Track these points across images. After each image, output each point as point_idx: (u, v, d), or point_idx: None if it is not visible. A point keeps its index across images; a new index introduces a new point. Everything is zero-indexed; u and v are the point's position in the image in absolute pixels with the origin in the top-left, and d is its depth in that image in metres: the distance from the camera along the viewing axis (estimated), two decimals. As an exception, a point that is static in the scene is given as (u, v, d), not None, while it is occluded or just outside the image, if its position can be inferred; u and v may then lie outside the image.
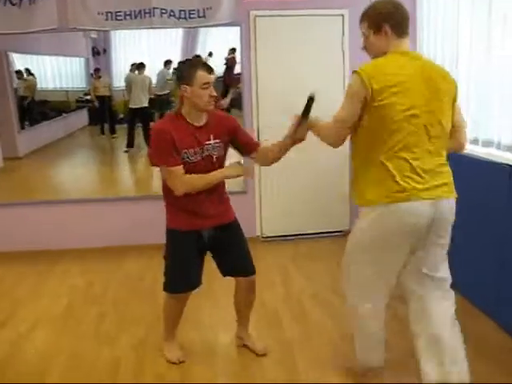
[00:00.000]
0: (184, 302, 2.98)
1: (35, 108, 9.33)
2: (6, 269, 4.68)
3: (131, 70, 6.64)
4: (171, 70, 8.83)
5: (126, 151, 6.70)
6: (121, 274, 4.49)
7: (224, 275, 3.01)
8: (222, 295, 3.78)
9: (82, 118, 7.61)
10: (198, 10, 4.69)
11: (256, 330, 3.33)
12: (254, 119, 5.06)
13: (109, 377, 2.93)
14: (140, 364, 3.06)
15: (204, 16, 4.71)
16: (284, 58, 4.98)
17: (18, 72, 7.40)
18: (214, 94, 2.66)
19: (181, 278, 2.88)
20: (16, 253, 4.95)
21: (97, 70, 9.05)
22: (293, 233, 5.32)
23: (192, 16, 4.71)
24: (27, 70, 8.83)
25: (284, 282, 4.24)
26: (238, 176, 2.82)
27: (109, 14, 4.69)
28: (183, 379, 2.88)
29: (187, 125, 2.69)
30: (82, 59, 9.55)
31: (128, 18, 4.70)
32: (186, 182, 2.67)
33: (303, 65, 4.99)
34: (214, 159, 2.76)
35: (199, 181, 2.69)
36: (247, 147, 2.90)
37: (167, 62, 8.88)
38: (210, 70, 2.66)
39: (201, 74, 2.61)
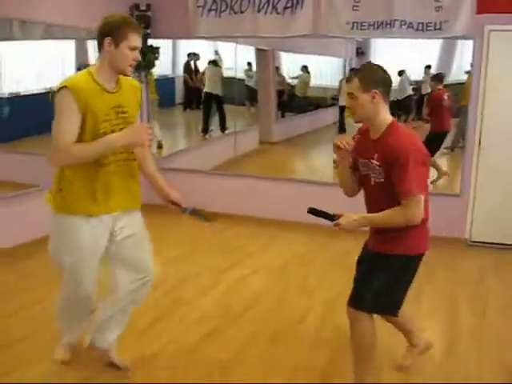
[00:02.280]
0: None
1: (296, 101, 10.50)
2: (241, 229, 5.77)
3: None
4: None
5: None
6: (333, 250, 5.19)
7: None
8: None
9: (332, 114, 8.46)
10: (435, 23, 5.10)
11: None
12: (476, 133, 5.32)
13: (296, 322, 3.72)
14: (323, 318, 3.78)
15: (440, 28, 5.09)
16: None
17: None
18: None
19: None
20: (249, 217, 5.99)
21: (352, 70, 9.82)
22: (501, 241, 5.38)
23: (429, 28, 5.13)
24: (305, 67, 10.01)
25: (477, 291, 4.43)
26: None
27: (355, 24, 5.36)
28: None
29: None
30: (341, 60, 10.44)
31: (371, 28, 5.31)
32: None
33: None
34: None
35: None
36: None
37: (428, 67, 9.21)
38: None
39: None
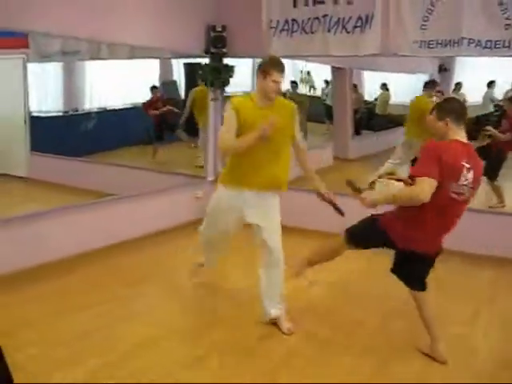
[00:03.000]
0: None
1: (375, 118, 10.53)
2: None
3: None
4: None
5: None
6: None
7: None
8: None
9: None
10: (504, 41, 5.04)
11: None
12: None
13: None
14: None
15: (509, 46, 5.03)
16: None
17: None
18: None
19: None
20: (321, 232, 6.01)
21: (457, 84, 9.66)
22: None
23: (497, 46, 5.07)
24: (384, 85, 10.05)
25: None
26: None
27: (422, 43, 5.39)
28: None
29: None
30: (426, 76, 10.37)
31: (439, 46, 5.33)
32: None
33: None
34: None
35: None
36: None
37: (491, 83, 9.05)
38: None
39: None
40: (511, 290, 4.76)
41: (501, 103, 9.69)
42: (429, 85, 7.13)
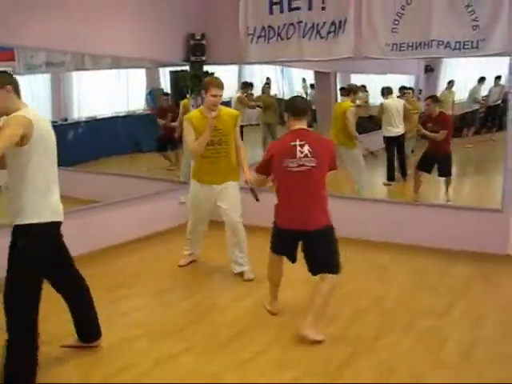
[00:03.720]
0: None
1: (358, 121, 10.57)
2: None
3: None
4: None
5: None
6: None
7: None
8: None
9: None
10: (472, 42, 5.16)
11: None
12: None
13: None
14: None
15: (477, 47, 5.16)
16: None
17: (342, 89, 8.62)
18: None
19: None
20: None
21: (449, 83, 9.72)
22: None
23: (466, 47, 5.20)
24: (363, 87, 10.13)
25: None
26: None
27: (394, 46, 5.53)
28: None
29: None
30: (413, 76, 10.43)
31: (410, 48, 5.46)
32: None
33: None
34: None
35: None
36: None
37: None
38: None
39: None
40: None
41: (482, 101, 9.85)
42: (344, 91, 7.63)
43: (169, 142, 7.67)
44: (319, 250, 3.71)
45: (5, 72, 3.21)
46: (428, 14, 5.33)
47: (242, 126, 6.00)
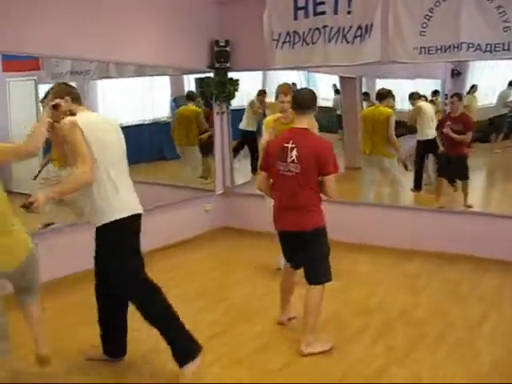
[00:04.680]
0: None
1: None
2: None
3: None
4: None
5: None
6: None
7: None
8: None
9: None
10: (503, 44, 5.01)
11: None
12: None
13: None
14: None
15: (508, 49, 5.00)
16: None
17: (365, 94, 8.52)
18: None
19: None
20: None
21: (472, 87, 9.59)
22: None
23: (497, 49, 5.05)
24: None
25: None
26: None
27: (422, 49, 5.40)
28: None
29: None
30: (439, 81, 10.27)
31: (438, 51, 5.33)
32: None
33: None
34: None
35: None
36: None
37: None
38: None
39: None
40: None
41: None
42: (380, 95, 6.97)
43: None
44: (303, 253, 3.62)
45: (64, 84, 3.50)
46: (457, 16, 5.19)
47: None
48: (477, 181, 7.34)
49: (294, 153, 3.46)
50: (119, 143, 3.36)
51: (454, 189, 6.56)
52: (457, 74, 10.77)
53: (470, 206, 6.37)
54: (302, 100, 3.60)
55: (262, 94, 8.38)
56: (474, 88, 9.51)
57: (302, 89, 4.58)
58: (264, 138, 4.67)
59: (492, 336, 3.86)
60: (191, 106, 7.11)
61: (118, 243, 3.24)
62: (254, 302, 4.59)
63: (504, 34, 5.02)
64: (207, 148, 7.13)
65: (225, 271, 5.40)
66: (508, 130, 10.07)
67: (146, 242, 5.38)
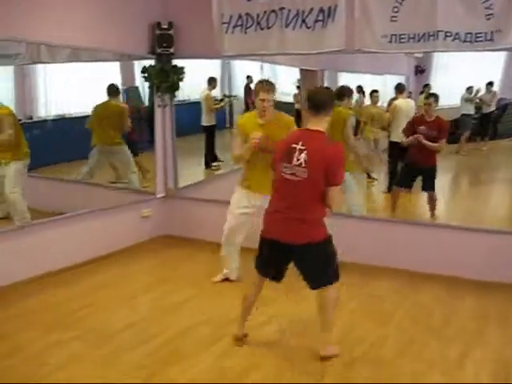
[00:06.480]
0: None
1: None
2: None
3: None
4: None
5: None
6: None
7: None
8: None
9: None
10: (486, 33, 4.37)
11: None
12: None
13: None
14: None
15: (492, 39, 4.37)
16: None
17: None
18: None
19: None
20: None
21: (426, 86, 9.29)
22: None
23: (478, 39, 4.41)
24: (359, 88, 9.43)
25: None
26: None
27: (393, 37, 4.70)
28: None
29: None
30: (403, 77, 9.74)
31: (411, 40, 4.65)
32: None
33: None
34: None
35: None
36: None
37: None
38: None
39: None
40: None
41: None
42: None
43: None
44: (305, 268, 3.38)
45: None
46: (433, 0, 4.52)
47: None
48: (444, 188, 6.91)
49: (303, 156, 3.19)
50: None
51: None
52: (420, 71, 10.32)
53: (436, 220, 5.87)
54: (320, 100, 3.31)
55: (212, 82, 7.70)
56: (427, 87, 9.11)
57: (319, 87, 4.18)
58: (235, 149, 4.35)
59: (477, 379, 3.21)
60: (113, 102, 6.26)
61: None
62: (192, 333, 3.82)
63: (486, 23, 4.37)
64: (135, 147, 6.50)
65: (161, 292, 4.60)
66: (472, 132, 9.68)
67: (68, 254, 4.57)
